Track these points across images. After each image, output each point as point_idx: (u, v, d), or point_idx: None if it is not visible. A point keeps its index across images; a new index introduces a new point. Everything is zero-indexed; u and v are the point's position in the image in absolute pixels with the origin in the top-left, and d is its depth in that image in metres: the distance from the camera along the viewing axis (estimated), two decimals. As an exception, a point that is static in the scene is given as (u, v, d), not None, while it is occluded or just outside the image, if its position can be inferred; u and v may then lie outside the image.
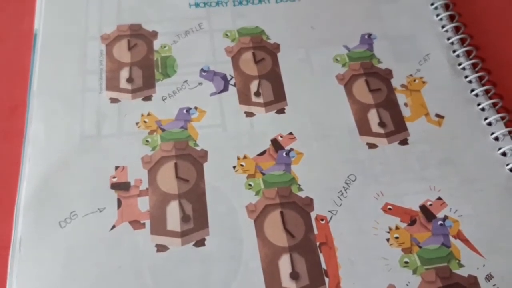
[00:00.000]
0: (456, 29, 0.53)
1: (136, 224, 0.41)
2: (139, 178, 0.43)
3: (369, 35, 0.52)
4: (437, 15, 0.53)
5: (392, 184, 0.44)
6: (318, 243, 0.40)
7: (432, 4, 0.54)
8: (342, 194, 0.43)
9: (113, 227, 0.41)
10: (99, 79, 0.48)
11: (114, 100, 0.47)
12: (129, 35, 0.51)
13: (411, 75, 0.50)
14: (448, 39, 0.52)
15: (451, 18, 0.54)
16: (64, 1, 0.52)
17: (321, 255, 0.40)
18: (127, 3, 0.53)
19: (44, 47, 0.49)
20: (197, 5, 0.53)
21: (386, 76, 0.49)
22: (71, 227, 0.41)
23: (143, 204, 0.42)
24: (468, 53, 0.51)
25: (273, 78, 0.49)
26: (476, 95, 0.49)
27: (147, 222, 0.41)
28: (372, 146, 0.45)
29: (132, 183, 0.43)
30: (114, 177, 0.43)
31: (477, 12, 0.55)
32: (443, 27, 0.53)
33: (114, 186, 0.42)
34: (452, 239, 0.41)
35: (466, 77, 0.50)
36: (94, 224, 0.41)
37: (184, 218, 0.41)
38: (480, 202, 0.43)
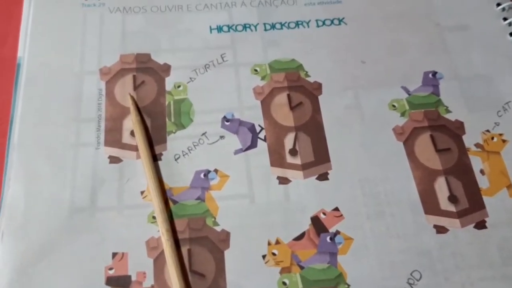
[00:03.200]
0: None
1: None
2: (142, 270, 0.33)
3: (434, 73, 0.41)
4: (519, 49, 0.42)
5: (466, 284, 0.34)
6: None
7: (511, 34, 0.43)
8: (404, 299, 0.33)
9: None
10: (97, 129, 0.38)
11: (114, 160, 0.37)
12: (135, 69, 0.40)
13: (487, 131, 0.39)
14: (533, 81, 0.41)
15: (535, 52, 0.42)
16: (54, 23, 0.42)
17: None
18: (133, 26, 0.42)
19: (29, 83, 0.40)
20: (219, 29, 0.43)
21: (456, 131, 0.39)
22: None
23: (147, 308, 0.32)
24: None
25: (314, 130, 0.39)
26: None
27: (152, 337, 0.31)
28: (441, 229, 0.35)
29: (134, 278, 0.33)
30: (110, 269, 0.33)
31: None
32: (526, 65, 0.42)
33: (111, 281, 0.33)
34: None
35: (557, 134, 0.39)
36: (84, 338, 0.31)
37: (200, 332, 0.31)
38: None
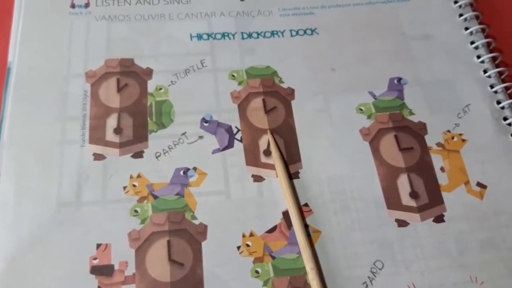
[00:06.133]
0: (499, 73, 0.45)
1: (120, 323, 0.33)
2: (124, 260, 0.36)
3: (399, 79, 0.44)
4: (478, 57, 0.46)
5: (425, 273, 0.37)
6: None
7: (472, 43, 0.46)
8: (367, 286, 0.36)
9: (91, 326, 0.33)
10: (82, 128, 0.40)
11: (98, 157, 0.39)
12: (119, 73, 0.43)
13: (448, 131, 0.42)
14: (492, 86, 0.44)
15: (494, 59, 0.46)
16: (44, 29, 0.44)
17: None
18: (118, 33, 0.45)
19: (18, 85, 0.42)
20: (199, 37, 0.45)
21: (419, 131, 0.42)
22: (41, 324, 0.33)
23: (129, 294, 0.35)
24: (514, 105, 0.44)
25: (286, 132, 0.42)
26: (525, 159, 0.41)
27: (133, 321, 0.34)
28: (402, 223, 0.38)
29: (116, 267, 0.36)
30: (95, 258, 0.36)
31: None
32: (485, 71, 0.45)
33: (95, 270, 0.35)
34: None
35: (513, 135, 0.42)
36: (69, 322, 0.33)
37: (177, 316, 0.34)
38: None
